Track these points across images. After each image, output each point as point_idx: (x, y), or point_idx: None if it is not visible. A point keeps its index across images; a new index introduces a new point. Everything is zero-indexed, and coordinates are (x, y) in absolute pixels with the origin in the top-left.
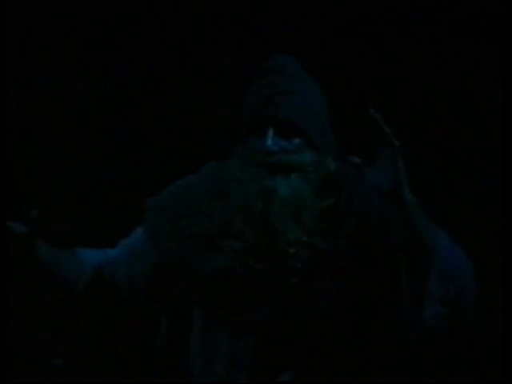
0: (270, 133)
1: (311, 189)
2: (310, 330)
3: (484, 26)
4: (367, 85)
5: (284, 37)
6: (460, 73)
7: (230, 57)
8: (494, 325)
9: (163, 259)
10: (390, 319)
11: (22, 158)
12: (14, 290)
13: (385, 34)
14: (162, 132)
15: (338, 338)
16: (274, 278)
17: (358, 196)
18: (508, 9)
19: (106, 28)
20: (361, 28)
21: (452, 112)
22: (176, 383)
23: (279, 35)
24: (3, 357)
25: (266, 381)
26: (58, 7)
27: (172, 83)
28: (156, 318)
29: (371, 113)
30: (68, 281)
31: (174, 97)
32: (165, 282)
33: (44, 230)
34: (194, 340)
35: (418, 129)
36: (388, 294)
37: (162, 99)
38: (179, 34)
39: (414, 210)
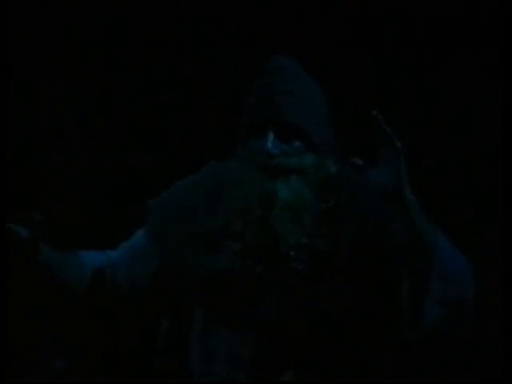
0: (271, 136)
1: (311, 191)
2: (311, 331)
3: (485, 26)
4: (367, 85)
5: (284, 37)
6: (460, 72)
7: (230, 57)
8: (493, 325)
9: (164, 260)
10: (390, 320)
11: (22, 158)
12: (14, 290)
13: (385, 34)
14: (162, 132)
15: (338, 338)
16: (274, 280)
17: (359, 198)
18: (508, 12)
19: (106, 28)
20: (361, 27)
21: (452, 112)
22: (176, 383)
23: (279, 35)
24: (3, 357)
25: (266, 381)
26: (59, 7)
27: (172, 83)
28: (156, 317)
29: (373, 114)
30: (68, 283)
31: (173, 97)
32: (166, 283)
33: (46, 233)
34: (194, 340)
35: (419, 129)
36: (388, 295)
37: (162, 99)
38: (179, 33)
39: (414, 211)
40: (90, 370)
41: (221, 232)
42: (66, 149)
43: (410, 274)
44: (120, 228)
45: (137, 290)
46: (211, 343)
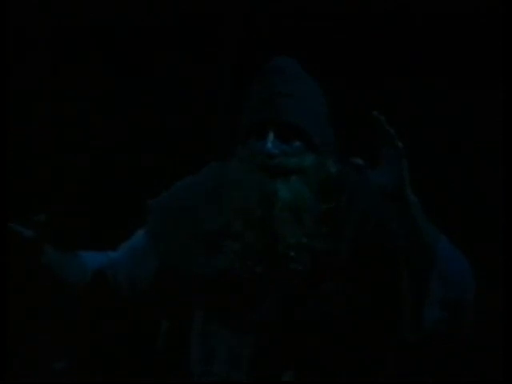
0: (271, 136)
1: (311, 191)
2: (311, 331)
3: (485, 27)
4: (367, 85)
5: (284, 37)
6: (460, 72)
7: (230, 57)
8: (493, 325)
9: (164, 261)
10: (390, 320)
11: (22, 158)
12: (14, 290)
13: (385, 34)
14: (161, 132)
15: (338, 338)
16: (274, 280)
17: (359, 198)
18: (508, 12)
19: (106, 27)
20: (361, 27)
21: (452, 112)
22: (176, 383)
23: (279, 35)
24: (3, 357)
25: (266, 381)
26: (59, 7)
27: (172, 83)
28: (156, 317)
29: (375, 114)
30: (69, 283)
31: (173, 96)
32: (166, 283)
33: (48, 233)
34: (194, 340)
35: (419, 129)
36: (388, 295)
37: (162, 99)
38: (179, 33)
39: (416, 212)
40: (90, 370)
41: (221, 232)
42: (66, 149)
43: (410, 274)
44: (120, 228)
45: (137, 290)
46: (211, 343)
